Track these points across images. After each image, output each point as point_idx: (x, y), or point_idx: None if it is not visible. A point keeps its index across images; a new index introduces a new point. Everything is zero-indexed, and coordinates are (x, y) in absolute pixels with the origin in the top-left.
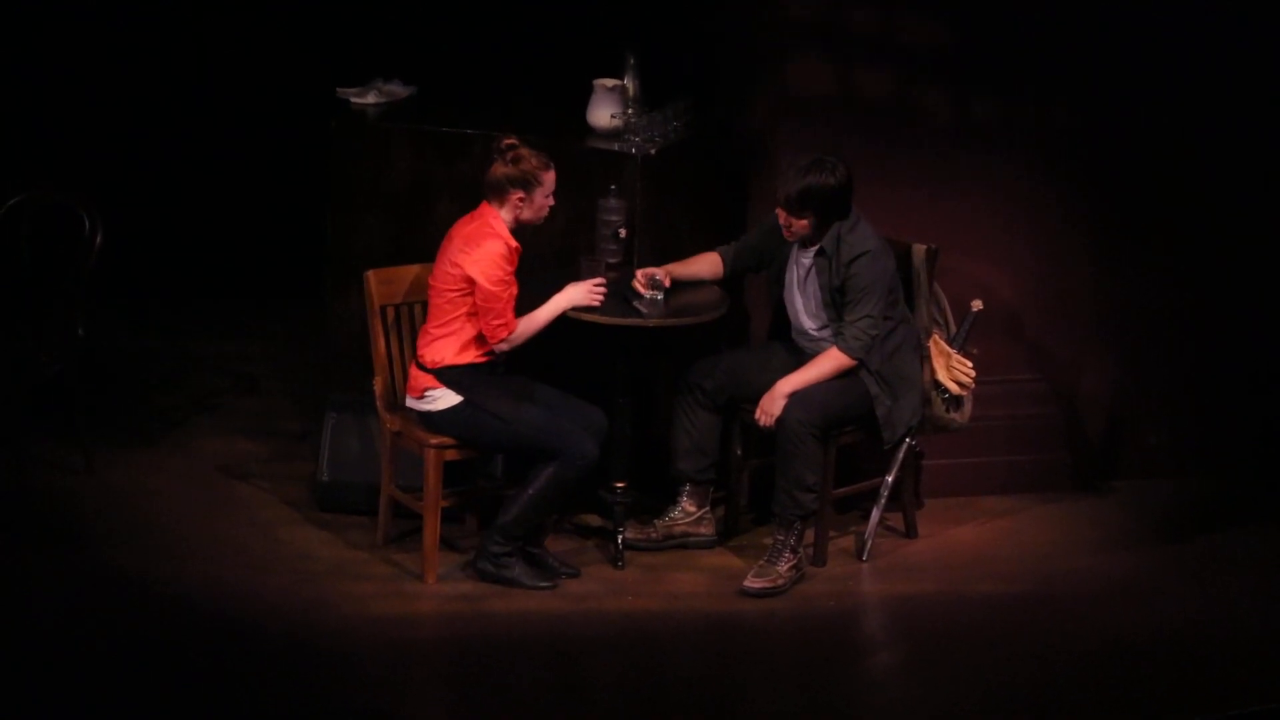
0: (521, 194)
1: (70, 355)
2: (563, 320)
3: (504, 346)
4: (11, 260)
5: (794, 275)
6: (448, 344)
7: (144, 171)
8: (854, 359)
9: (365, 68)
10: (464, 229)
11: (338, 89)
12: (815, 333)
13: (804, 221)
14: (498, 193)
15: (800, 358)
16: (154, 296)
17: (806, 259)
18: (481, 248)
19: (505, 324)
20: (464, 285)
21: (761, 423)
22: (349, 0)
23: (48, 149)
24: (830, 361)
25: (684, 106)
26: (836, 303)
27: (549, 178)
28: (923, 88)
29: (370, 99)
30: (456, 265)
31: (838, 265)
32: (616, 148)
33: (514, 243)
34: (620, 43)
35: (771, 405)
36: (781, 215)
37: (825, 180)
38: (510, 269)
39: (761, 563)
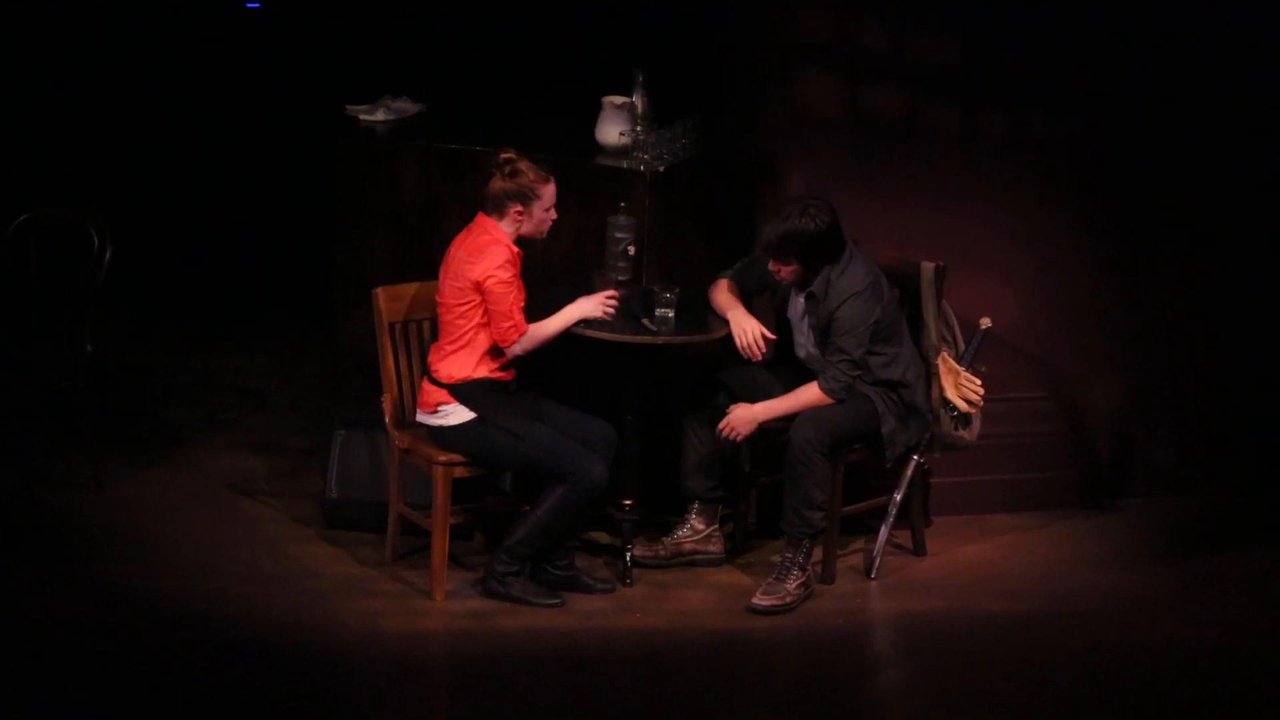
0: (519, 208)
1: (79, 371)
2: (572, 337)
3: (516, 349)
4: (21, 276)
5: (794, 310)
6: (461, 359)
7: (153, 188)
8: (832, 399)
9: (374, 85)
10: (464, 242)
11: (347, 106)
12: (818, 363)
13: (790, 266)
14: (496, 207)
15: (806, 377)
16: (163, 313)
17: (801, 298)
18: (483, 255)
19: (515, 325)
20: (472, 297)
21: (724, 434)
22: (358, 17)
23: (56, 165)
24: (809, 395)
25: (692, 124)
26: (825, 344)
27: (547, 191)
28: (930, 105)
29: (379, 116)
30: (461, 277)
31: (825, 310)
32: (625, 165)
33: (515, 249)
34: (629, 60)
35: (740, 425)
36: (770, 262)
37: (805, 226)
38: (514, 272)
39: (770, 580)
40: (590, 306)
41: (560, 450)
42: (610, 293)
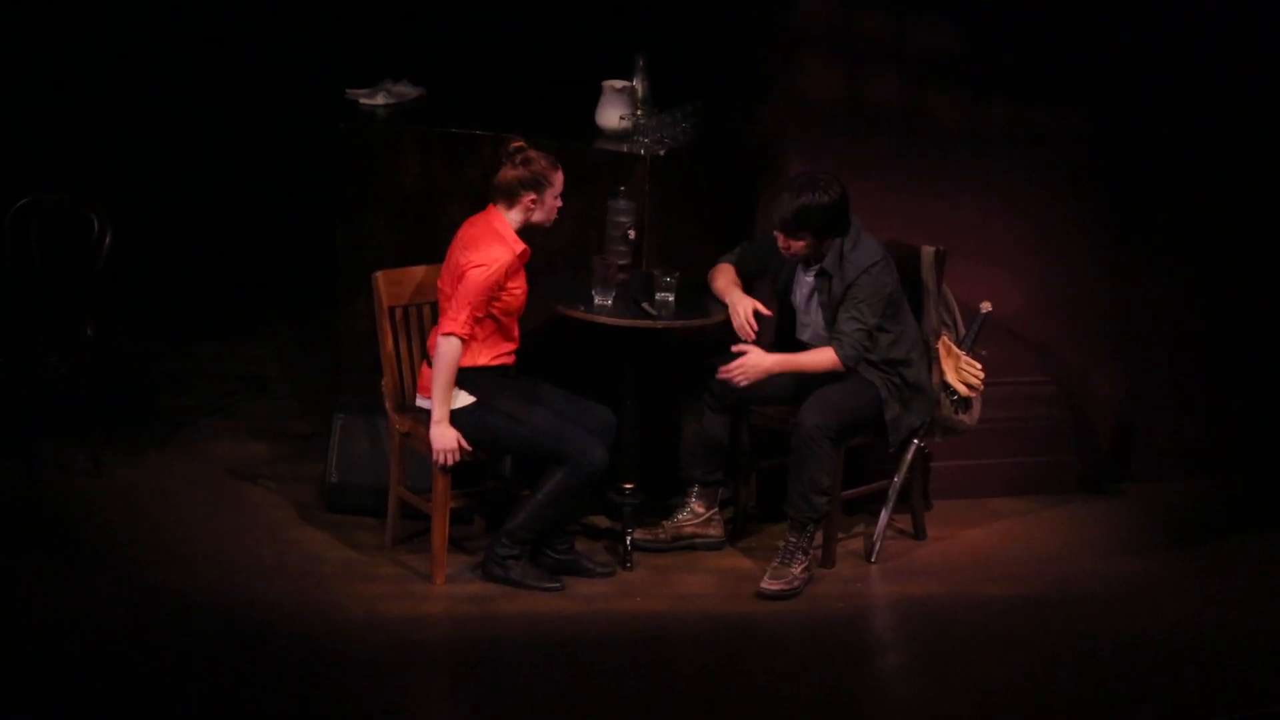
0: (533, 196)
1: (79, 357)
2: (572, 321)
3: (442, 347)
4: (21, 262)
5: (800, 291)
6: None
7: (153, 173)
8: (846, 367)
9: (374, 68)
10: (470, 230)
11: (347, 90)
12: (826, 342)
13: (801, 242)
14: (508, 196)
15: None
16: (163, 298)
17: (809, 277)
18: (479, 245)
19: (458, 325)
20: None
21: (732, 375)
22: (358, 1)
23: (56, 151)
24: (824, 360)
25: (693, 108)
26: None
27: (558, 178)
28: (933, 92)
29: (379, 100)
30: (457, 265)
31: (840, 285)
32: (625, 149)
33: (520, 246)
34: (630, 44)
35: (750, 370)
36: (780, 237)
37: (819, 199)
38: (506, 274)
39: (775, 565)
40: (440, 438)
41: (560, 433)
42: (453, 450)
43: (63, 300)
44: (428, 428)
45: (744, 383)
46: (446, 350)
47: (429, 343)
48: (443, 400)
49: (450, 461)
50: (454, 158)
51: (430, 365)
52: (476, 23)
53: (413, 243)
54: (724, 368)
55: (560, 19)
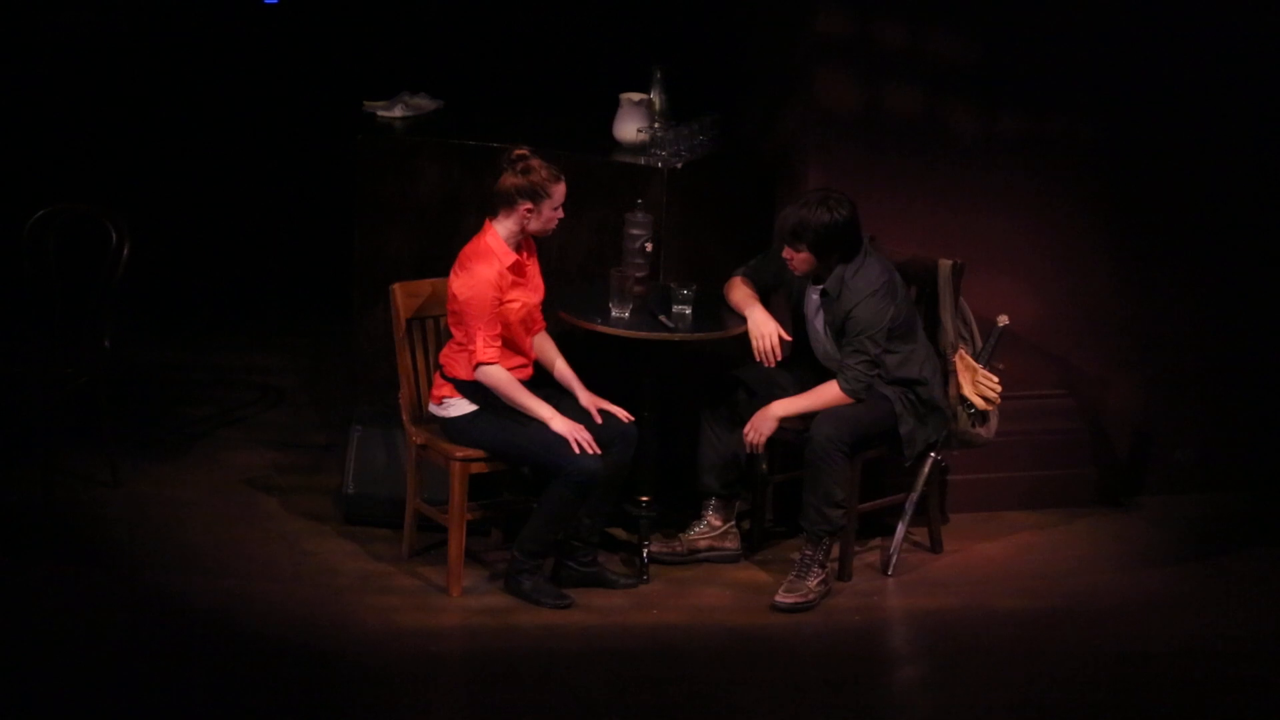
0: (529, 205)
1: (97, 367)
2: (591, 333)
3: (481, 378)
4: (39, 272)
5: (810, 308)
6: (465, 359)
7: (171, 183)
8: (852, 398)
9: (392, 81)
10: (463, 252)
11: (364, 102)
12: (837, 360)
13: (802, 255)
14: (506, 203)
15: (824, 375)
16: (181, 309)
17: (815, 294)
18: (469, 269)
19: (480, 353)
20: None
21: (749, 439)
22: (376, 13)
23: (74, 161)
24: (829, 394)
25: (710, 121)
26: (840, 341)
27: (558, 190)
28: (950, 103)
29: (397, 112)
30: (449, 290)
31: (840, 309)
32: (643, 162)
33: (510, 258)
34: (647, 57)
35: (762, 425)
36: (785, 248)
37: (821, 216)
38: (499, 292)
39: (791, 578)
40: (561, 426)
41: (551, 442)
42: (582, 432)
43: (80, 310)
44: (444, 440)
45: (760, 440)
46: (491, 379)
47: (442, 353)
48: (531, 406)
49: (581, 437)
50: (471, 169)
51: (444, 376)
52: (494, 35)
53: (430, 254)
54: (744, 433)
55: (578, 32)
